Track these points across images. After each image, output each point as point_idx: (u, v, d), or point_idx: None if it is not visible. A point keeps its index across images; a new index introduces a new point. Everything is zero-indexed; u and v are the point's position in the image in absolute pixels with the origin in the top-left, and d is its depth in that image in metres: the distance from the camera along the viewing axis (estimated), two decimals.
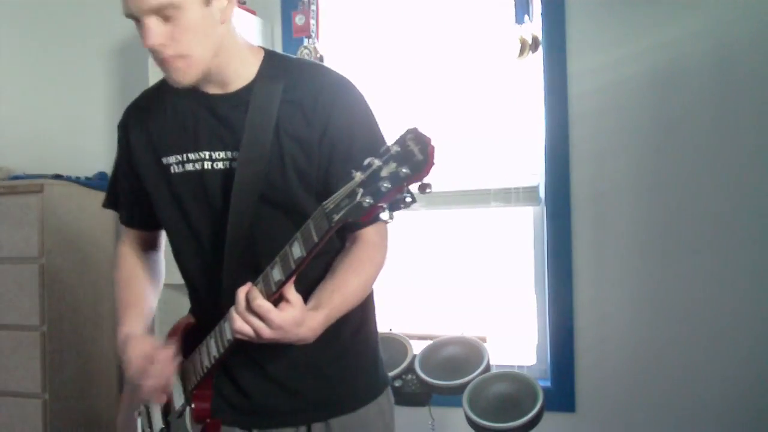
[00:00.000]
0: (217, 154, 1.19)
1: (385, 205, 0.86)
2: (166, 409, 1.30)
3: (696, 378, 2.17)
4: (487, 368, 2.02)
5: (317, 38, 2.36)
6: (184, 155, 1.21)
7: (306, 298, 1.08)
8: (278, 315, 1.01)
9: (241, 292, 1.03)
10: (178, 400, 1.27)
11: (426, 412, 2.09)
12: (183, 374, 1.27)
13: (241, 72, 1.19)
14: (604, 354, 2.25)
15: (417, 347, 2.17)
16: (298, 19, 2.35)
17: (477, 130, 2.44)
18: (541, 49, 2.26)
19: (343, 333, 1.25)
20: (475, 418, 1.90)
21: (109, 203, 1.41)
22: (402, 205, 0.87)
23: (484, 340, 2.23)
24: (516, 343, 2.44)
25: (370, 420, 1.29)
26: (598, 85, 2.24)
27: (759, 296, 2.11)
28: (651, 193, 2.21)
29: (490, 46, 2.41)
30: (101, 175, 2.80)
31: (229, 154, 1.18)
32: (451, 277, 2.54)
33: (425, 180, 0.84)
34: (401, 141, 0.84)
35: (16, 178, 2.69)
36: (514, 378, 1.99)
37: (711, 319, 2.15)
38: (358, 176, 0.87)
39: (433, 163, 0.82)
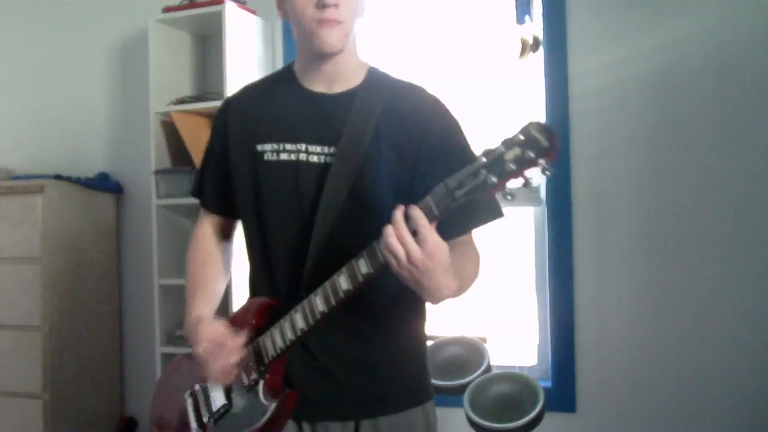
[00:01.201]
0: (314, 147, 1.22)
1: (506, 187, 0.94)
2: (228, 387, 1.29)
3: (697, 378, 2.17)
4: (488, 369, 2.02)
5: None
6: (281, 145, 1.24)
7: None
8: (437, 238, 0.99)
9: (399, 210, 1.00)
10: (247, 376, 1.27)
11: None
12: (254, 351, 1.26)
13: (350, 75, 1.27)
14: (605, 354, 2.25)
15: None
16: None
17: (477, 130, 2.43)
18: (541, 49, 2.27)
19: (399, 332, 1.28)
20: (476, 419, 1.90)
21: (195, 190, 1.43)
22: (525, 186, 0.94)
23: (484, 340, 2.22)
24: (517, 344, 2.44)
25: (417, 425, 1.30)
26: (598, 85, 2.24)
27: (760, 295, 2.11)
28: (651, 192, 2.21)
29: (491, 46, 2.41)
30: (101, 176, 2.80)
31: (326, 149, 1.22)
32: None
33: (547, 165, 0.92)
34: (525, 131, 0.92)
35: (16, 178, 2.69)
36: (514, 378, 1.99)
37: (711, 318, 2.15)
38: (482, 159, 0.93)
39: (557, 150, 0.91)
